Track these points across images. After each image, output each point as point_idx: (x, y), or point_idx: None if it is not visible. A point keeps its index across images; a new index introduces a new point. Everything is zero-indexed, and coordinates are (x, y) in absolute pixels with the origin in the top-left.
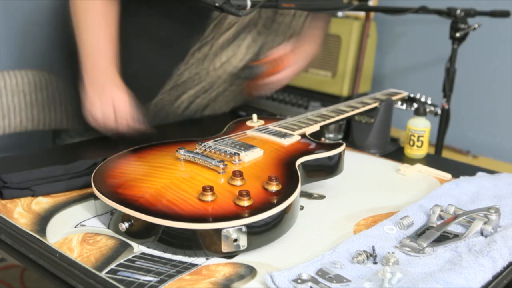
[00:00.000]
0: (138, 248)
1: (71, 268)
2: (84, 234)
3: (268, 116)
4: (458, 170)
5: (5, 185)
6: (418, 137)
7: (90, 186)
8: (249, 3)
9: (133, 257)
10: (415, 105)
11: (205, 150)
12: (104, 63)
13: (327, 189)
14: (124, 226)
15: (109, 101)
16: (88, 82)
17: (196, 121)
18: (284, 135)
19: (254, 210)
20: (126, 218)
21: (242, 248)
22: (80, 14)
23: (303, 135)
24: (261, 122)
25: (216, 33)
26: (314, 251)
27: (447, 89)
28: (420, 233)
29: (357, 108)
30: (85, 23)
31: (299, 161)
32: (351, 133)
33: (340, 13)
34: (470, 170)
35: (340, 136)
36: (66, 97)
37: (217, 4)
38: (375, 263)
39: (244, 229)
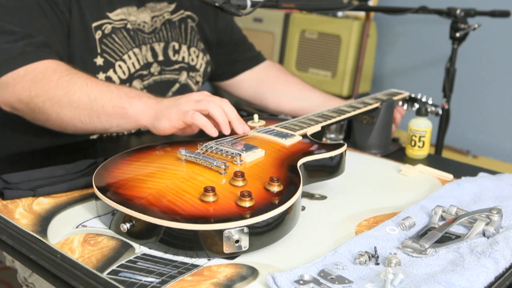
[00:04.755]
0: (139, 248)
1: (73, 269)
2: (85, 235)
3: (269, 116)
4: (459, 170)
5: (6, 185)
6: (420, 137)
7: (91, 186)
8: (249, 3)
9: (135, 258)
10: (416, 105)
11: (206, 150)
12: (148, 104)
13: (328, 189)
14: (125, 226)
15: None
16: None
17: None
18: (285, 136)
19: (255, 211)
20: (127, 218)
21: (244, 249)
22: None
23: (304, 136)
24: (263, 122)
25: None
26: (316, 252)
27: (447, 89)
28: (422, 234)
29: (358, 108)
30: (95, 115)
31: (301, 162)
32: (353, 134)
33: (340, 13)
34: (471, 171)
35: (341, 137)
36: None
37: (217, 4)
38: (377, 264)
39: (246, 230)
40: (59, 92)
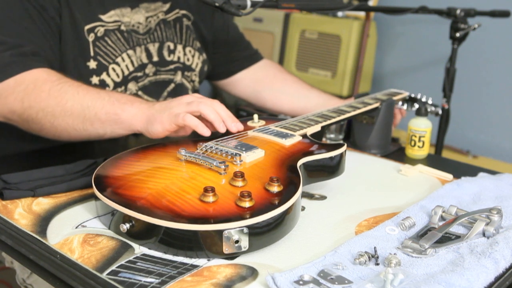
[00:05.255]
0: (139, 249)
1: (72, 269)
2: (85, 235)
3: (269, 116)
4: (459, 170)
5: (5, 185)
6: (420, 137)
7: (91, 186)
8: (249, 3)
9: (134, 258)
10: (416, 105)
11: (206, 150)
12: (140, 109)
13: (328, 189)
14: (125, 227)
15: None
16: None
17: None
18: (285, 136)
19: (255, 211)
20: (127, 219)
21: (243, 249)
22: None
23: (304, 136)
24: (262, 122)
25: None
26: (316, 252)
27: (447, 89)
28: (422, 234)
29: (358, 108)
30: (89, 123)
31: (301, 162)
32: (352, 134)
33: (340, 13)
34: (471, 171)
35: (341, 137)
36: None
37: (217, 4)
38: (377, 264)
39: (245, 230)
40: (51, 102)
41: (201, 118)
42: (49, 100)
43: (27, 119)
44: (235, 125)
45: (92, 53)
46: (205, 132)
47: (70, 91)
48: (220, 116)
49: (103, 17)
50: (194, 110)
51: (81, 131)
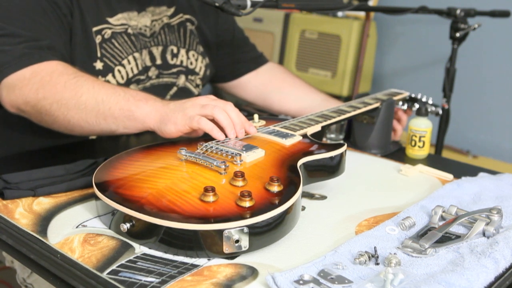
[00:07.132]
0: (139, 248)
1: (73, 268)
2: (85, 235)
3: (269, 116)
4: (459, 170)
5: (6, 185)
6: (420, 137)
7: (91, 186)
8: (249, 3)
9: (135, 257)
10: (416, 105)
11: (206, 150)
12: (154, 107)
13: (328, 189)
14: (125, 226)
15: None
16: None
17: None
18: (285, 136)
19: (255, 211)
20: (127, 218)
21: (243, 249)
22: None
23: (304, 136)
24: (263, 122)
25: None
26: (316, 252)
27: (447, 89)
28: (422, 234)
29: (359, 108)
30: (102, 119)
31: (301, 162)
32: (353, 134)
33: (340, 13)
34: (472, 171)
35: (341, 137)
36: None
37: (217, 4)
38: (377, 264)
39: (245, 230)
40: (66, 95)
41: (214, 120)
42: (64, 92)
43: (40, 111)
44: (242, 131)
45: (99, 54)
46: (219, 136)
47: (86, 85)
48: (231, 120)
49: (110, 20)
50: (208, 114)
51: (94, 126)
